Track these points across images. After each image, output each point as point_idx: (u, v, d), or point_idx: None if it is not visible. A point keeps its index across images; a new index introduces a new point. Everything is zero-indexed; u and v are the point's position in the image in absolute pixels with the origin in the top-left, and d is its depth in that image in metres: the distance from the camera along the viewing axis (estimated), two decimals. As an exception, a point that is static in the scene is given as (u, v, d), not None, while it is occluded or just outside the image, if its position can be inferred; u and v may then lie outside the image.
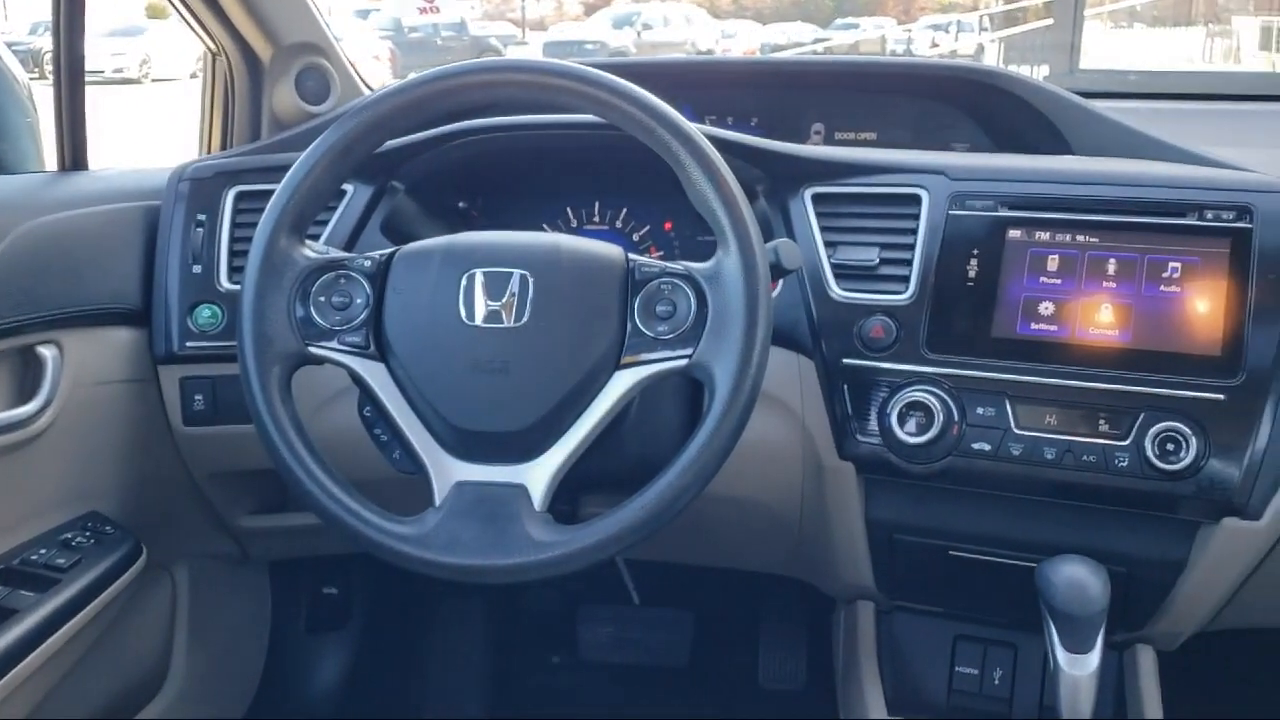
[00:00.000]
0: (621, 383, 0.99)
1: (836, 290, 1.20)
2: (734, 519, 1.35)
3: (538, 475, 0.98)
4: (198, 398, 1.33)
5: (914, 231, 1.19)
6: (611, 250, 1.04)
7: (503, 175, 1.41)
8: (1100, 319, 1.13)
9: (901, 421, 1.15)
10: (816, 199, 1.23)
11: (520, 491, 0.98)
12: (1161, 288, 1.11)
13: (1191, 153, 1.28)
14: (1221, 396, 1.08)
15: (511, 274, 1.01)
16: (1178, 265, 1.11)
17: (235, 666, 1.72)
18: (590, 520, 0.97)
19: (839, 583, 1.37)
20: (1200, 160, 1.26)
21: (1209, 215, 1.12)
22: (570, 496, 1.27)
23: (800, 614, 1.89)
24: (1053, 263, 1.14)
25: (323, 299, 1.03)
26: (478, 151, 1.33)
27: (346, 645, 1.89)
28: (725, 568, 1.62)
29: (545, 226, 1.43)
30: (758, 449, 1.19)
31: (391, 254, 1.06)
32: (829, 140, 1.57)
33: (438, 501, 0.99)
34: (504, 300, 1.00)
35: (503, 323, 1.00)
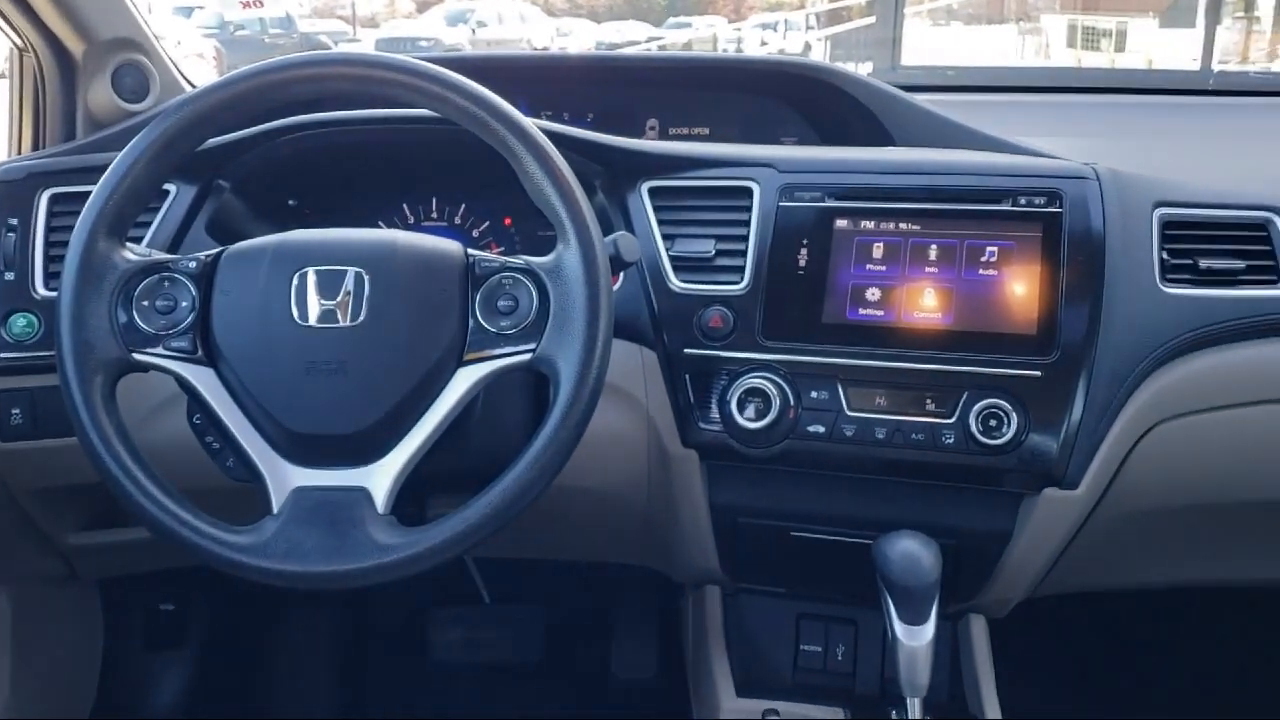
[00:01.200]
0: (464, 380, 0.98)
1: (675, 282, 1.21)
2: (582, 510, 1.36)
3: (380, 477, 0.97)
4: (15, 411, 1.25)
5: (747, 223, 1.22)
6: (450, 246, 1.03)
7: (335, 172, 1.38)
8: (924, 303, 1.17)
9: (741, 408, 1.18)
10: (653, 193, 1.25)
11: (362, 495, 0.96)
12: (980, 271, 1.17)
13: (1005, 142, 1.35)
14: (1038, 373, 1.14)
15: (346, 272, 0.99)
16: (994, 249, 1.17)
17: (66, 690, 1.63)
18: (436, 520, 0.96)
19: (686, 568, 1.39)
20: (1013, 149, 1.33)
21: (1022, 201, 1.17)
22: (416, 498, 1.25)
23: (651, 602, 1.91)
24: (878, 250, 1.19)
25: (146, 303, 0.99)
26: (307, 147, 1.29)
27: (186, 663, 1.82)
28: (576, 560, 1.63)
29: (381, 224, 1.41)
30: (604, 440, 1.19)
31: (218, 254, 1.02)
32: (663, 135, 1.59)
33: (276, 509, 0.96)
34: (338, 299, 0.98)
35: (338, 322, 0.98)
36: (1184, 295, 1.18)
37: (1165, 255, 1.20)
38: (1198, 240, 1.21)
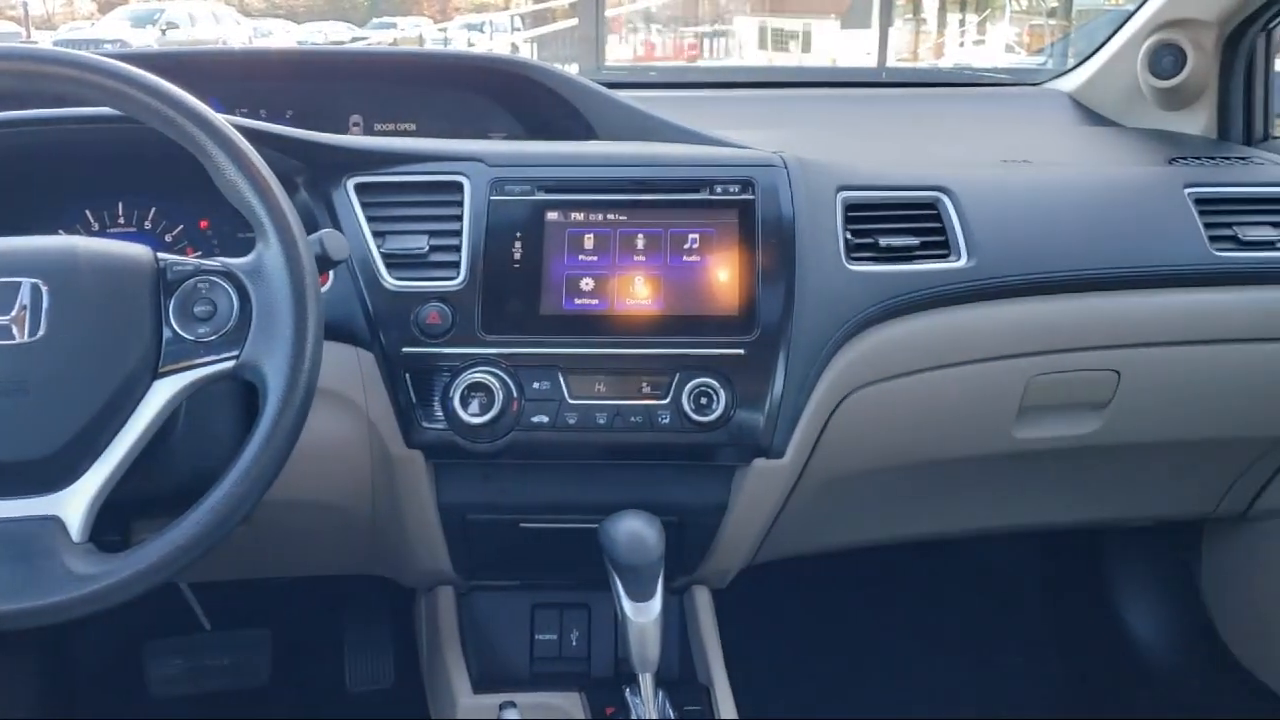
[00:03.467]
0: (162, 393, 0.93)
1: (389, 280, 1.19)
2: (304, 523, 1.31)
3: (74, 503, 0.90)
4: None
5: (459, 218, 1.21)
6: (138, 250, 0.97)
7: (5, 176, 1.27)
8: (635, 291, 1.21)
9: (464, 404, 1.17)
10: (360, 189, 1.22)
11: (54, 524, 0.89)
12: (685, 258, 1.21)
13: (702, 134, 1.40)
14: (742, 351, 1.20)
15: (21, 283, 0.91)
16: (696, 237, 1.22)
17: None
18: (140, 545, 0.90)
19: (417, 572, 1.38)
20: (710, 141, 1.38)
21: (718, 189, 1.23)
22: (119, 522, 1.17)
23: (383, 611, 1.87)
24: (589, 241, 1.21)
25: None
26: None
27: None
28: (302, 576, 1.57)
29: (61, 232, 1.31)
30: (321, 447, 1.16)
31: None
32: (368, 132, 1.55)
33: None
34: (13, 313, 0.90)
35: (14, 339, 0.90)
36: (867, 272, 1.27)
37: (849, 235, 1.28)
38: (877, 220, 1.31)
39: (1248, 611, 1.80)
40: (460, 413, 1.17)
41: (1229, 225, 1.40)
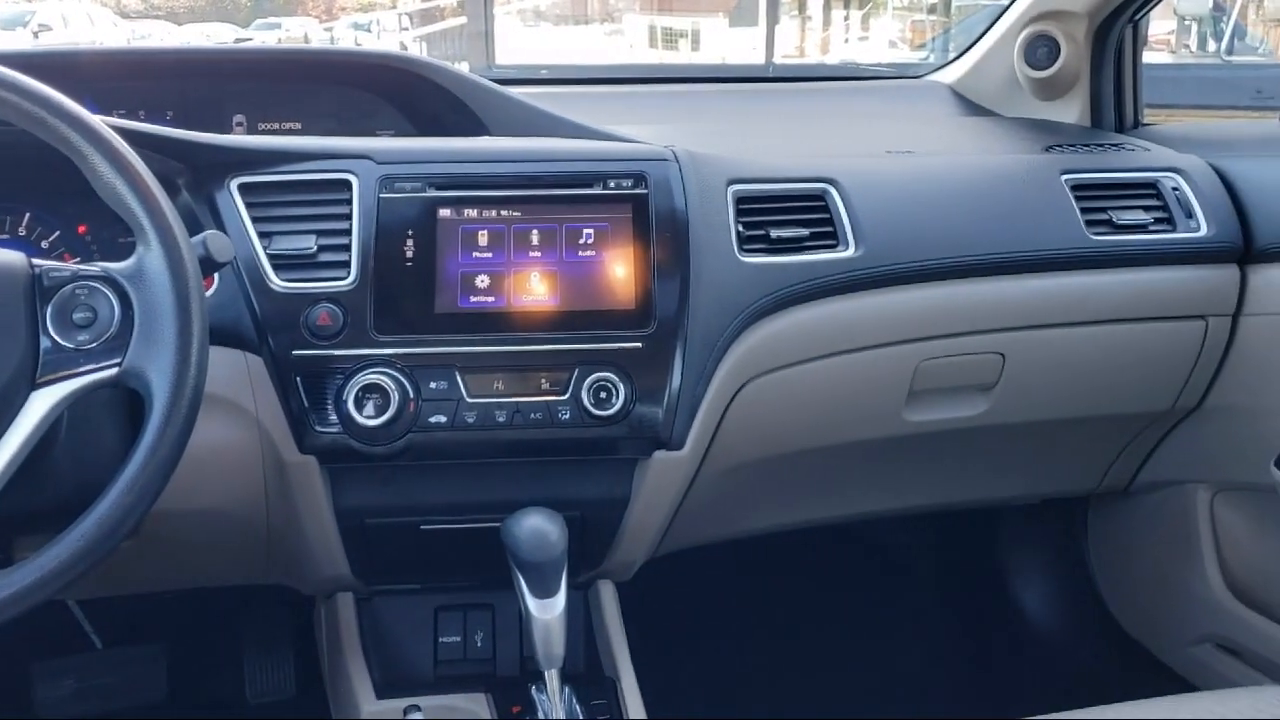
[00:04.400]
0: (41, 404, 0.89)
1: (277, 281, 1.17)
2: (196, 534, 1.28)
3: None
4: None
5: (348, 217, 1.19)
6: (11, 257, 0.93)
7: None
8: (531, 287, 1.20)
9: (359, 406, 1.15)
10: (244, 189, 1.19)
11: None
12: (580, 253, 1.21)
13: (594, 129, 1.40)
14: (640, 345, 1.20)
15: None
16: (591, 231, 1.22)
17: None
18: (21, 563, 0.87)
19: (315, 579, 1.35)
20: (602, 136, 1.39)
21: (611, 184, 1.23)
22: (0, 540, 1.13)
23: (283, 620, 1.83)
24: (483, 238, 1.20)
25: None
26: None
27: None
28: (197, 588, 1.53)
29: None
30: (211, 455, 1.13)
31: None
32: (252, 131, 1.52)
33: None
34: None
35: None
36: (759, 263, 1.29)
37: (741, 228, 1.30)
38: (768, 212, 1.33)
39: (1131, 583, 1.87)
40: (355, 415, 1.15)
41: (1104, 210, 1.45)
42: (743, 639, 2.02)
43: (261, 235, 1.18)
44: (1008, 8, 1.82)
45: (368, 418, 1.15)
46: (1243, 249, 1.46)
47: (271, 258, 1.17)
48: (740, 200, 1.32)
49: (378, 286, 1.17)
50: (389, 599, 1.39)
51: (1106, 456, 1.69)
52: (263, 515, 1.26)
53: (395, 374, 1.16)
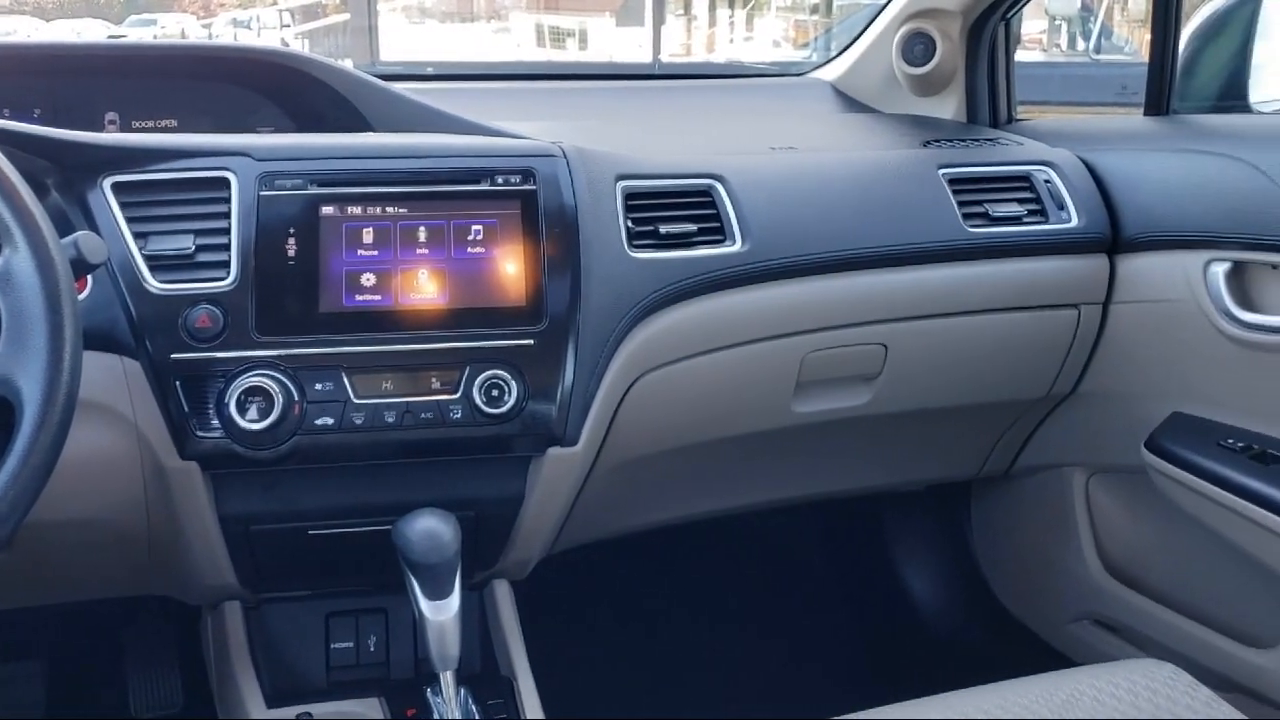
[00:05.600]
0: None
1: (154, 283, 1.13)
2: (73, 545, 1.24)
3: None
4: None
5: (227, 215, 1.16)
6: None
7: None
8: (419, 285, 1.19)
9: (242, 410, 1.13)
10: (117, 188, 1.15)
11: None
12: (469, 250, 1.20)
13: (482, 125, 1.39)
14: (532, 342, 1.20)
15: None
16: (480, 228, 1.21)
17: None
18: None
19: (200, 588, 1.32)
20: (490, 132, 1.38)
21: (499, 180, 1.22)
22: None
23: (168, 632, 1.78)
24: (368, 235, 1.18)
25: None
26: None
27: None
28: (76, 600, 1.48)
29: None
30: (87, 464, 1.10)
31: None
32: (126, 129, 1.47)
33: None
34: None
35: None
36: (649, 259, 1.29)
37: (630, 223, 1.30)
38: (656, 208, 1.34)
39: (1013, 564, 1.93)
40: (238, 419, 1.12)
41: (980, 203, 1.49)
42: (639, 634, 2.03)
43: (137, 236, 1.14)
44: (885, 6, 1.86)
45: (251, 421, 1.12)
46: (1111, 239, 1.52)
47: (148, 258, 1.13)
48: (629, 196, 1.32)
49: (259, 287, 1.15)
50: (278, 606, 1.36)
51: (986, 442, 1.74)
52: (143, 524, 1.22)
53: (279, 376, 1.14)
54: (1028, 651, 1.87)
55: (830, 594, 2.17)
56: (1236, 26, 1.82)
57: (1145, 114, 1.68)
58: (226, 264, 1.15)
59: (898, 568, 2.11)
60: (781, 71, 2.25)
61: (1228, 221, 1.41)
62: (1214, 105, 1.78)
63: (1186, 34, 1.69)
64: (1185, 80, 1.69)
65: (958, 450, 1.75)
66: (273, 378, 1.13)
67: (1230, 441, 1.41)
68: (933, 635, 2.06)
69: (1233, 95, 1.78)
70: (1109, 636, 1.73)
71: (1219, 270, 1.41)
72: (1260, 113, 1.79)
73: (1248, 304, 1.40)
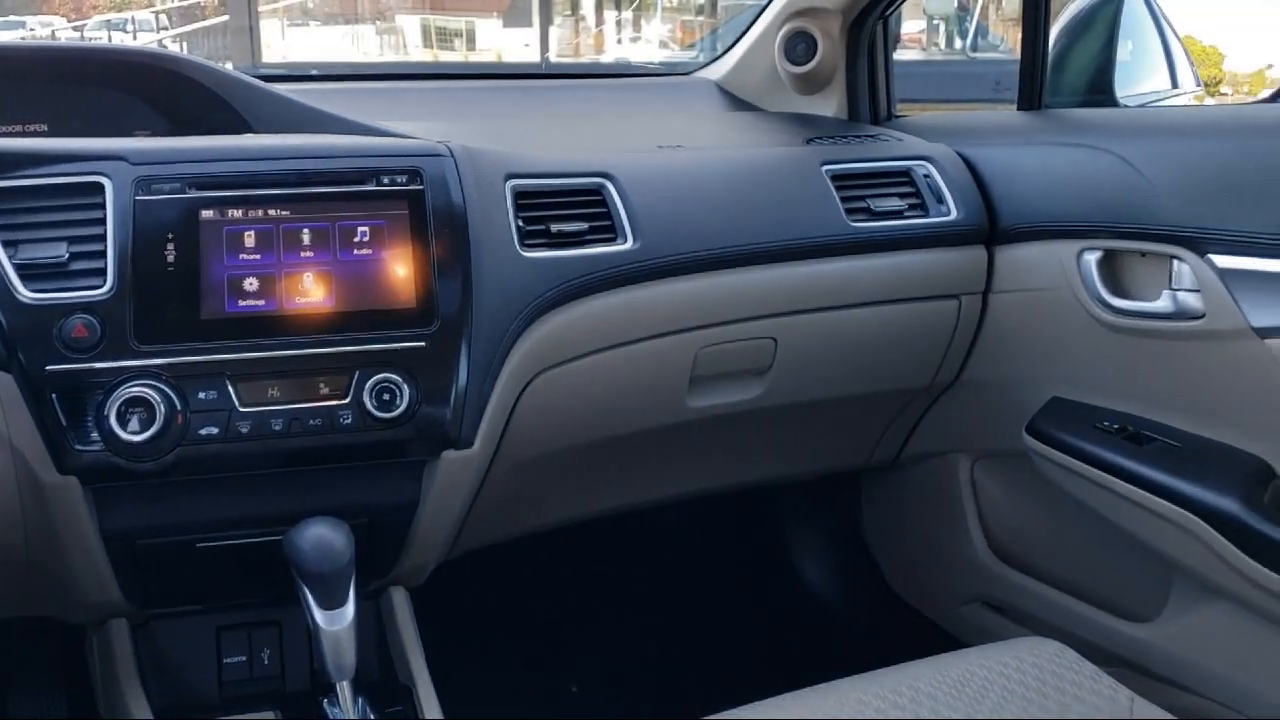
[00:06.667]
0: None
1: (25, 293, 1.09)
2: (-57, 567, 1.18)
3: None
4: None
5: (102, 221, 1.12)
6: None
7: None
8: (304, 288, 1.17)
9: (122, 422, 1.09)
10: None
11: None
12: (355, 252, 1.18)
13: (367, 126, 1.37)
14: (423, 344, 1.18)
15: None
16: (366, 229, 1.19)
17: None
18: None
19: (84, 606, 1.27)
20: (375, 132, 1.36)
21: (385, 180, 1.21)
22: None
23: (53, 652, 1.71)
24: (250, 239, 1.16)
25: None
26: None
27: None
28: None
29: None
30: (-43, 481, 1.05)
31: None
32: (-10, 134, 1.41)
33: None
34: None
35: None
36: (541, 258, 1.29)
37: (521, 223, 1.30)
38: (547, 207, 1.34)
39: (904, 550, 1.98)
40: (118, 432, 1.09)
41: (863, 198, 1.53)
42: (540, 634, 2.02)
43: (6, 244, 1.10)
44: (767, 6, 1.89)
45: (132, 433, 1.09)
46: (989, 231, 1.57)
47: (18, 267, 1.09)
48: (519, 195, 1.32)
49: (137, 294, 1.11)
50: (167, 622, 1.32)
51: (875, 431, 1.78)
52: (20, 542, 1.17)
53: (160, 386, 1.11)
54: (920, 635, 1.92)
55: (729, 586, 2.19)
56: (1101, 24, 1.90)
57: (1019, 109, 1.73)
58: (103, 271, 1.11)
59: (794, 558, 2.14)
60: (668, 71, 2.27)
61: (1098, 211, 1.46)
62: (1083, 99, 1.84)
63: (1055, 31, 1.75)
64: (1055, 76, 1.75)
65: (848, 440, 1.79)
66: (154, 388, 1.10)
67: (1106, 424, 1.46)
68: (828, 622, 2.10)
69: (1100, 90, 1.85)
70: (997, 617, 1.79)
71: (1091, 259, 1.46)
72: (1126, 106, 1.86)
73: (1119, 290, 1.46)
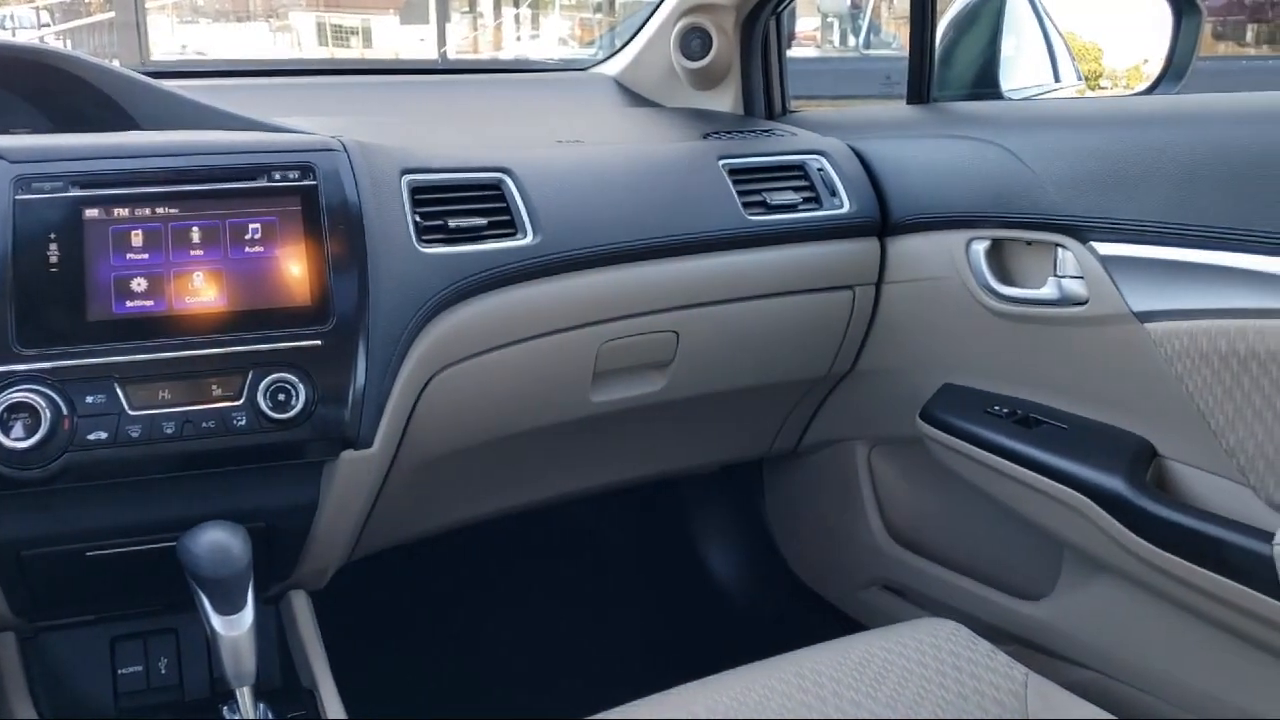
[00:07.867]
0: None
1: None
2: None
3: None
4: None
5: None
6: None
7: None
8: (195, 288, 1.14)
9: (5, 428, 1.05)
10: None
11: None
12: (247, 250, 1.16)
13: (258, 121, 1.34)
14: (319, 342, 1.16)
15: None
16: (258, 226, 1.17)
17: None
18: None
19: (-34, 621, 1.23)
20: (266, 128, 1.33)
21: (276, 176, 1.18)
22: None
23: None
24: (137, 238, 1.13)
25: None
26: None
27: None
28: None
29: None
30: None
31: None
32: None
33: None
34: None
35: None
36: (439, 254, 1.28)
37: (418, 218, 1.29)
38: (445, 202, 1.33)
39: (805, 536, 2.02)
40: (1, 439, 1.05)
41: (759, 192, 1.55)
42: (445, 635, 2.01)
43: None
44: (663, 1, 1.90)
45: (16, 440, 1.06)
46: (881, 222, 1.61)
47: None
48: (415, 190, 1.31)
49: (18, 297, 1.08)
50: (58, 634, 1.28)
51: (775, 421, 1.81)
52: None
53: (45, 390, 1.07)
54: (823, 619, 1.95)
55: (635, 578, 2.21)
56: (985, 21, 1.95)
57: (908, 103, 1.77)
58: None
59: (699, 547, 2.16)
60: (566, 67, 2.27)
61: (985, 202, 1.50)
62: (969, 93, 1.89)
63: (942, 27, 1.80)
64: (943, 70, 1.80)
65: (749, 430, 1.81)
66: (39, 392, 1.07)
67: (996, 408, 1.50)
68: (734, 609, 2.12)
69: (985, 84, 1.90)
70: (897, 600, 1.83)
71: (979, 248, 1.50)
72: (1011, 99, 1.92)
73: (1007, 279, 1.50)
